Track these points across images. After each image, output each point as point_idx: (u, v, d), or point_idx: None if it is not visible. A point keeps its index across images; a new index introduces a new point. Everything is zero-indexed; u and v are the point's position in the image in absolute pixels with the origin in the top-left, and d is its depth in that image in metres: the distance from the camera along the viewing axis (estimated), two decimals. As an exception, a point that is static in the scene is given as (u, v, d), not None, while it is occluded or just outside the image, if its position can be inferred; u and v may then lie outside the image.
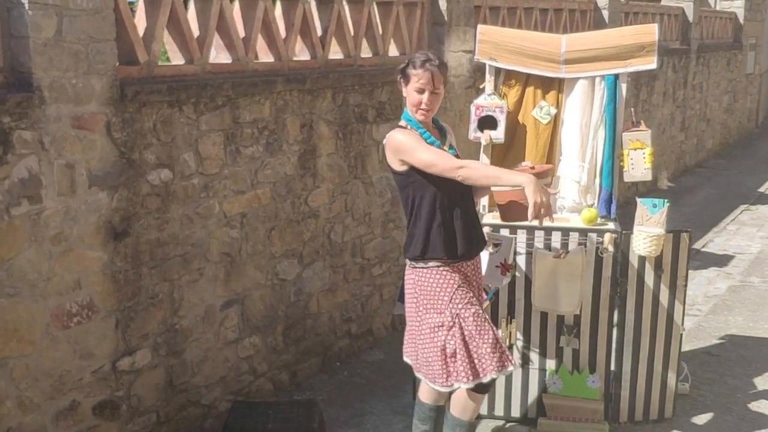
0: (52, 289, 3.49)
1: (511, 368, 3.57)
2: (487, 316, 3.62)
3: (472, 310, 3.51)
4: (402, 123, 3.60)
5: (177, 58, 4.18)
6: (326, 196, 5.03)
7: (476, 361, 3.48)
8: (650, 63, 4.35)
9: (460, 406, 3.67)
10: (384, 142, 3.61)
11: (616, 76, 4.37)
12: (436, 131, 3.65)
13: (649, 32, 4.34)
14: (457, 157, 3.59)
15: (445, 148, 3.60)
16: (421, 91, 3.49)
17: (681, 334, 4.49)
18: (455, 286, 3.53)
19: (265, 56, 4.68)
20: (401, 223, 5.72)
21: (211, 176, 4.20)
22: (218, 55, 4.42)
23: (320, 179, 4.96)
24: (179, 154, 4.01)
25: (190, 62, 4.14)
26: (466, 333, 3.48)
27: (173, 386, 4.13)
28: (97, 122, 3.57)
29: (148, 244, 3.89)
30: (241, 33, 4.47)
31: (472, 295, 3.58)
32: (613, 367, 4.45)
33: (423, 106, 3.51)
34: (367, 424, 4.53)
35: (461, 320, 3.49)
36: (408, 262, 3.63)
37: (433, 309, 3.53)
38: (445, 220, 3.53)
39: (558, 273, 4.21)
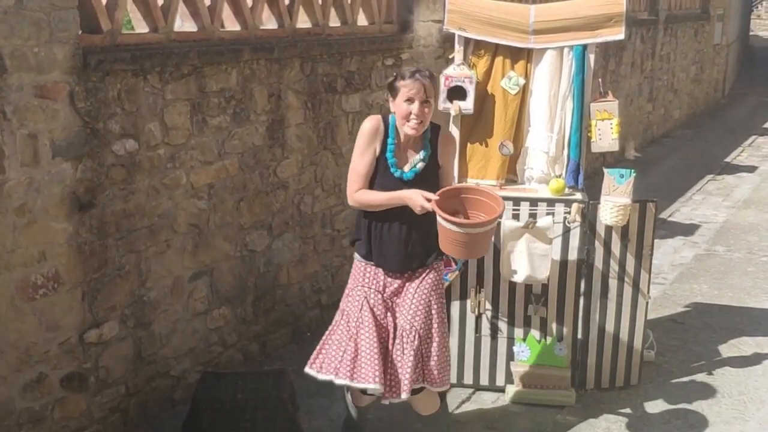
0: (16, 260, 3.44)
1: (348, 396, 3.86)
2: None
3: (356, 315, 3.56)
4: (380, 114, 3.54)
5: (141, 27, 4.11)
6: (295, 167, 5.00)
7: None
8: (618, 33, 4.36)
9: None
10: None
11: (585, 47, 4.37)
12: (419, 146, 3.52)
13: (618, 3, 4.34)
14: (430, 177, 3.51)
15: (406, 168, 3.49)
16: (410, 101, 3.37)
17: (647, 302, 4.55)
18: (358, 283, 3.62)
19: (232, 25, 4.61)
20: (371, 193, 5.70)
21: (177, 146, 4.15)
22: (183, 23, 4.35)
23: (289, 150, 4.93)
24: (144, 124, 3.95)
25: (154, 30, 4.07)
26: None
27: (142, 358, 4.12)
28: (59, 91, 3.51)
29: (113, 215, 3.85)
30: (207, 1, 4.40)
31: (372, 300, 3.57)
32: (580, 335, 4.51)
33: (413, 116, 3.38)
34: (337, 393, 4.52)
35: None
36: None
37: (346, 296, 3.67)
38: (376, 225, 3.53)
39: (526, 243, 4.23)
